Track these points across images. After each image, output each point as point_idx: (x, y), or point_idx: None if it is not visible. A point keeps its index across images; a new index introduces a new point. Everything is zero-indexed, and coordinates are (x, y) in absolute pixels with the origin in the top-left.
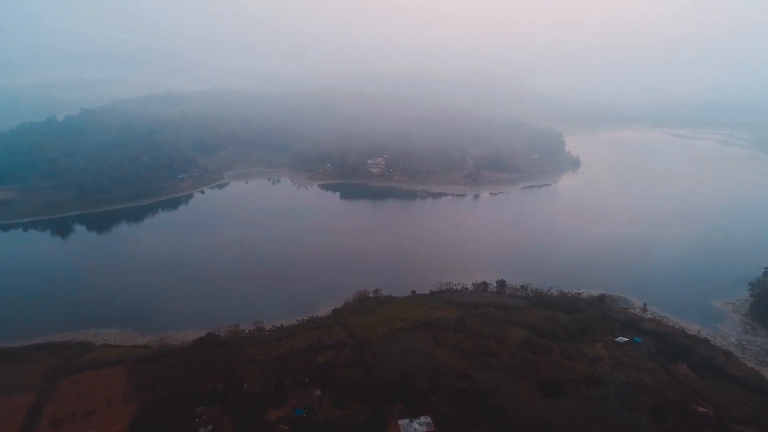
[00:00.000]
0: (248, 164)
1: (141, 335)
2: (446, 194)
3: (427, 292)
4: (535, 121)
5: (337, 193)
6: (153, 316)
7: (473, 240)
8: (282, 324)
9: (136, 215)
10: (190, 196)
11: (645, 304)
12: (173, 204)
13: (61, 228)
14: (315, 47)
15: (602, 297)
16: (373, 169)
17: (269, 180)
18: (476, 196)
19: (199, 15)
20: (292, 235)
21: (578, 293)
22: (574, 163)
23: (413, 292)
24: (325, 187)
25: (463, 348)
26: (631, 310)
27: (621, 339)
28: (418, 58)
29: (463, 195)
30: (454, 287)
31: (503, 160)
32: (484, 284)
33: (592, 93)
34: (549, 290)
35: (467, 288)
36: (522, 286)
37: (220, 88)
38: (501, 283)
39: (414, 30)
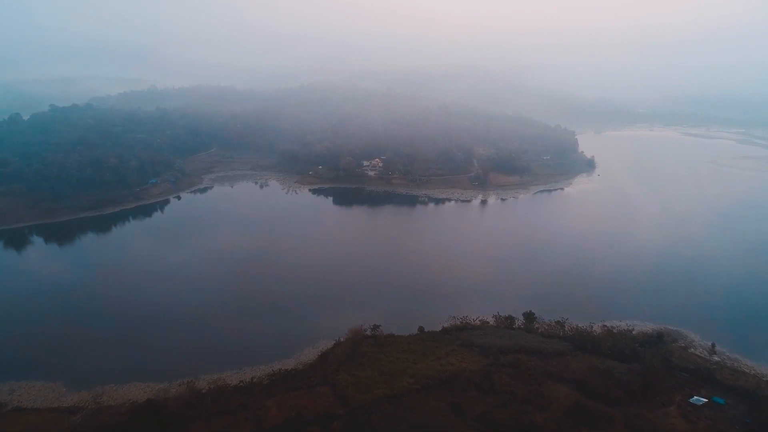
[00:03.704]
0: (231, 166)
1: (71, 390)
2: (450, 200)
3: (438, 328)
4: (539, 118)
5: (330, 198)
6: (91, 363)
7: (486, 257)
8: (252, 378)
9: (95, 226)
10: (166, 202)
11: (713, 345)
12: (142, 212)
13: (5, 243)
14: (306, 43)
15: (660, 336)
16: (370, 171)
17: (256, 183)
18: (484, 202)
19: (187, 11)
20: (274, 253)
21: (628, 329)
22: (589, 165)
23: (421, 328)
24: (317, 191)
25: (494, 421)
26: (691, 350)
27: (698, 400)
28: (415, 53)
29: (469, 200)
30: (472, 321)
31: (513, 162)
32: (510, 319)
33: (596, 89)
34: (591, 327)
35: (487, 322)
36: (557, 322)
37: (206, 84)
38: (529, 317)
39: (410, 24)
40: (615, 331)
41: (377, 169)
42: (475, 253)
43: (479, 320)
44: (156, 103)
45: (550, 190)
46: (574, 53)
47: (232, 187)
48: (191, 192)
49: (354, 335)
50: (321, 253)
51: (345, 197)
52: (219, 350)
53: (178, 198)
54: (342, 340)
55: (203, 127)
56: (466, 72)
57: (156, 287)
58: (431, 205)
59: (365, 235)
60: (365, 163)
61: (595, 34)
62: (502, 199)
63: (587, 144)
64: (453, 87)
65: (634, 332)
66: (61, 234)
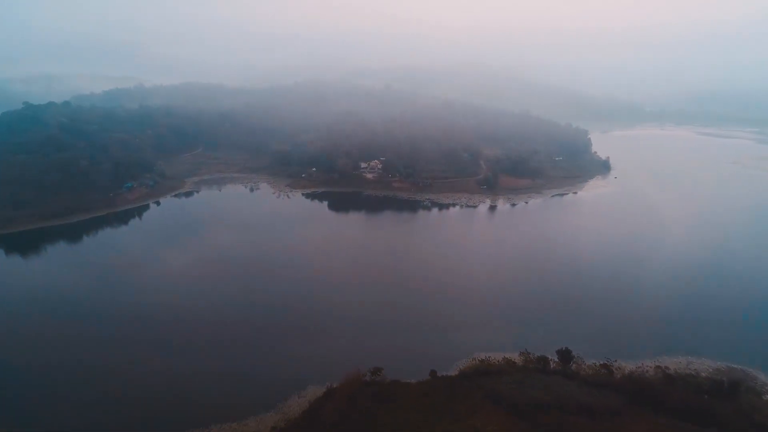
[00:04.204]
0: (219, 168)
1: None
2: (456, 205)
3: (453, 370)
4: (544, 116)
5: (325, 204)
6: (40, 410)
7: (502, 274)
8: None
9: (59, 236)
10: (144, 208)
11: None
12: (116, 220)
13: None
14: (304, 42)
15: (735, 384)
16: (368, 173)
17: (245, 187)
18: (493, 208)
19: (181, 9)
20: (257, 271)
21: (690, 373)
22: (604, 166)
23: (433, 373)
24: (310, 195)
25: None
26: (766, 397)
27: None
28: (415, 52)
29: (476, 206)
30: (495, 362)
31: (523, 163)
32: (543, 360)
33: (601, 87)
34: (643, 368)
35: (513, 362)
36: (603, 365)
37: (195, 82)
38: (565, 356)
39: (410, 25)
40: (673, 374)
41: (376, 171)
42: (489, 270)
43: (503, 359)
44: (142, 101)
45: (564, 194)
46: (577, 52)
47: (219, 191)
48: (173, 197)
49: (350, 383)
50: (311, 271)
51: (341, 202)
52: (184, 399)
53: (157, 203)
54: (335, 386)
55: (189, 127)
56: (468, 69)
57: (112, 313)
58: (435, 211)
59: (363, 248)
60: (363, 164)
61: (596, 34)
62: (513, 205)
63: (595, 144)
64: (454, 84)
65: (696, 377)
66: (17, 246)
